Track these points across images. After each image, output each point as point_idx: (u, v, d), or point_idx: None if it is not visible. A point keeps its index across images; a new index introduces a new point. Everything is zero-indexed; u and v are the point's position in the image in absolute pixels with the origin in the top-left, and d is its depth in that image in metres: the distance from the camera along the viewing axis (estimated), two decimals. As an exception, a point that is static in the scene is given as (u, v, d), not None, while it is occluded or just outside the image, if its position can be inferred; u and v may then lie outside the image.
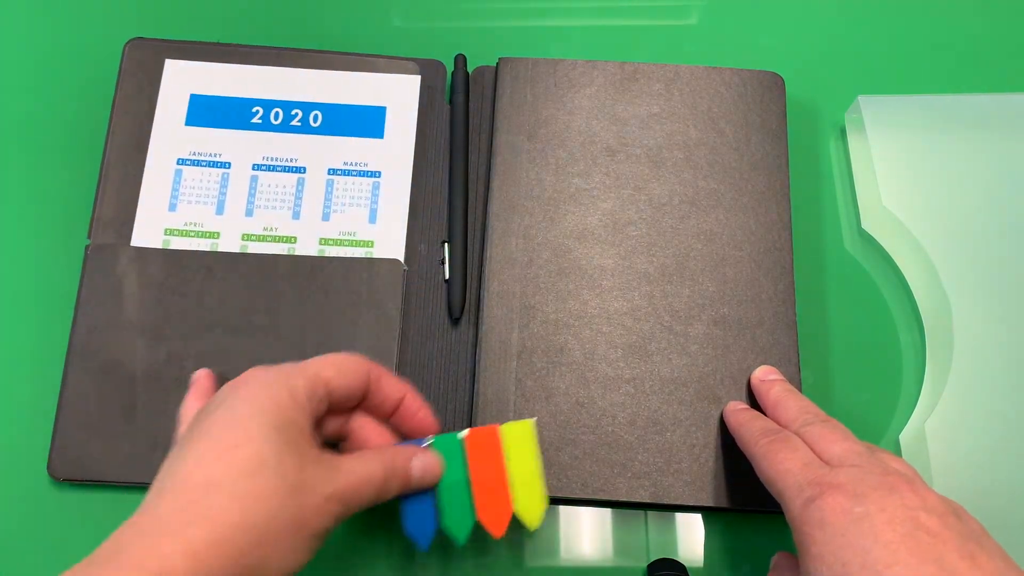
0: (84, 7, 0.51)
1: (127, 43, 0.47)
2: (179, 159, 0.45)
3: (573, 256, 0.43)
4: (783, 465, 0.32)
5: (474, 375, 0.41)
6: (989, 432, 0.40)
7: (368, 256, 0.43)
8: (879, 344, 0.44)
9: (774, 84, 0.46)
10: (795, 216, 0.45)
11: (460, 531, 0.34)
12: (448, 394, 0.42)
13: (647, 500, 0.38)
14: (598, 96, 0.46)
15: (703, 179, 0.44)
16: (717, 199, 0.44)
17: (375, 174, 0.45)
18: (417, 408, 0.36)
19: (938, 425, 0.40)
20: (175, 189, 0.44)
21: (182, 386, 0.40)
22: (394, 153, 0.45)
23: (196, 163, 0.44)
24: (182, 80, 0.46)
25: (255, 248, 0.43)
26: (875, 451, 0.33)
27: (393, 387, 0.35)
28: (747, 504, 0.39)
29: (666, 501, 0.38)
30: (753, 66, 0.47)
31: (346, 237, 0.44)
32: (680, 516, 0.41)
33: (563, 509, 0.41)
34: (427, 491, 0.34)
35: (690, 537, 0.40)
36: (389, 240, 0.44)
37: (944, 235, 0.43)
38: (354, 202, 0.44)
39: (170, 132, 0.45)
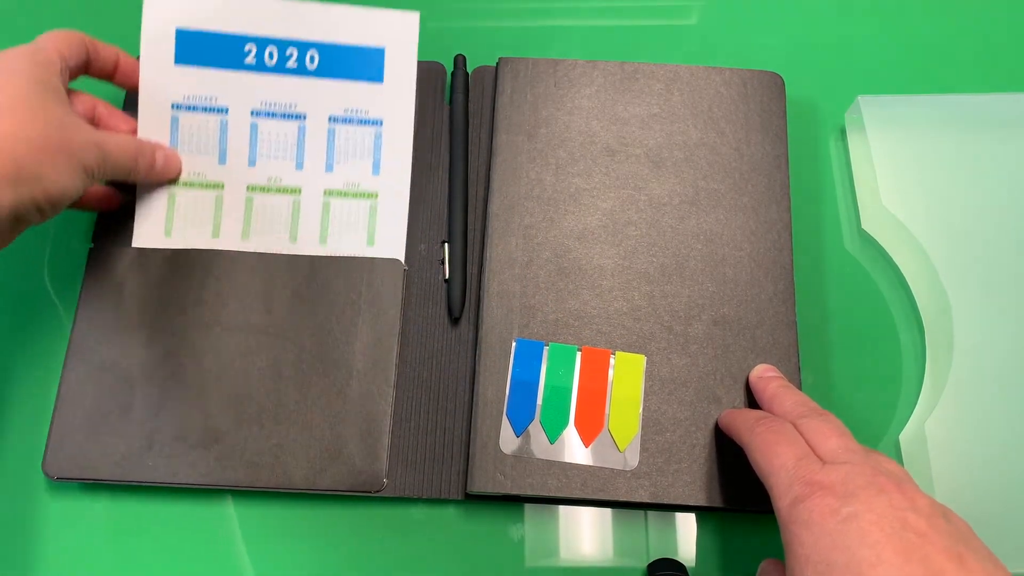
0: (89, 16, 0.51)
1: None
2: (174, 103, 0.43)
3: (573, 256, 0.43)
4: (777, 459, 0.32)
5: (474, 375, 0.41)
6: (989, 432, 0.40)
7: (372, 206, 0.43)
8: (879, 344, 0.44)
9: (774, 84, 0.46)
10: (795, 216, 0.45)
11: (554, 431, 0.39)
12: (448, 394, 0.42)
13: (647, 500, 0.38)
14: (598, 96, 0.46)
15: (703, 179, 0.44)
16: (717, 199, 0.44)
17: (377, 122, 0.44)
18: (133, 66, 0.43)
19: (938, 425, 0.40)
20: (173, 138, 0.43)
21: (179, 385, 0.40)
22: (395, 99, 0.44)
23: (192, 108, 0.43)
24: (166, 13, 0.43)
25: (260, 201, 0.43)
26: (869, 451, 0.33)
27: (107, 49, 0.42)
28: (747, 504, 0.39)
29: (666, 501, 0.38)
30: (753, 66, 0.47)
31: (351, 188, 0.43)
32: (680, 516, 0.41)
33: (563, 509, 0.41)
34: (534, 388, 0.40)
35: (690, 537, 0.40)
36: (393, 192, 0.44)
37: (944, 235, 0.43)
38: (357, 152, 0.44)
39: (159, 73, 0.43)
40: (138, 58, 0.43)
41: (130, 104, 0.45)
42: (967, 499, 0.38)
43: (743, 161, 0.45)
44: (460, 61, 0.48)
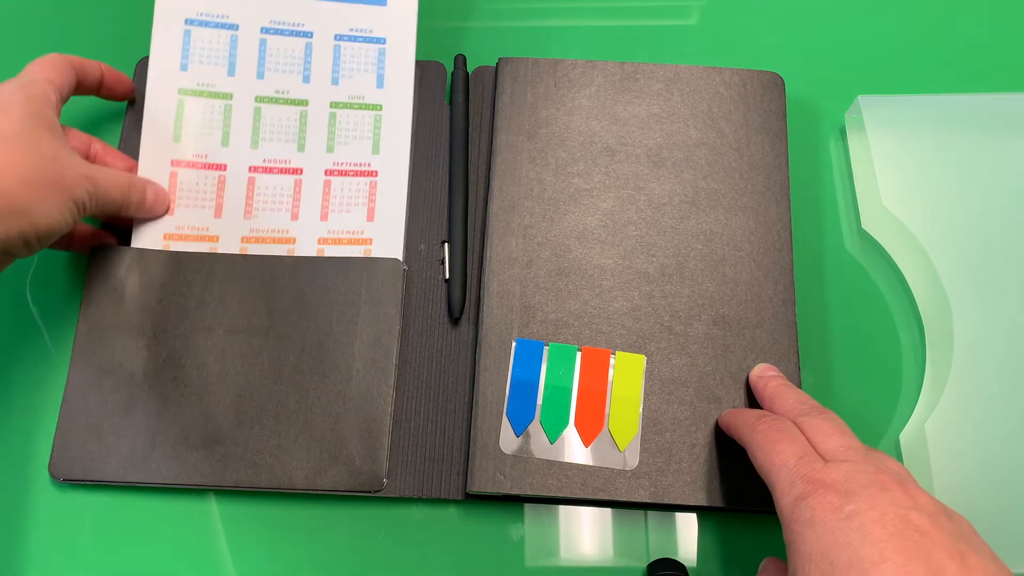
0: (97, 24, 0.51)
1: (139, 62, 0.47)
2: (187, 19, 0.45)
3: (573, 256, 0.43)
4: (779, 457, 0.32)
5: (474, 375, 0.41)
6: (989, 432, 0.40)
7: (376, 117, 0.44)
8: (879, 344, 0.44)
9: (774, 84, 0.46)
10: (795, 216, 0.45)
11: (554, 431, 0.39)
12: (448, 394, 0.42)
13: (647, 500, 0.38)
14: (598, 96, 0.46)
15: (703, 179, 0.44)
16: (717, 199, 0.44)
17: (380, 40, 0.46)
18: (116, 77, 0.44)
19: (938, 425, 0.40)
20: (185, 50, 0.45)
21: (181, 387, 0.41)
22: (397, 18, 0.46)
23: (204, 24, 0.45)
24: None
25: (268, 112, 0.44)
26: (870, 450, 0.33)
27: (92, 66, 0.42)
28: (747, 504, 0.39)
29: (666, 501, 0.38)
30: (753, 66, 0.47)
31: (355, 100, 0.45)
32: (680, 516, 0.41)
33: (563, 509, 0.41)
34: (534, 388, 0.40)
35: (690, 537, 0.40)
36: (398, 103, 0.45)
37: (944, 235, 0.43)
38: (361, 67, 0.45)
39: None
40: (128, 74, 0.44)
41: (125, 143, 0.45)
42: (967, 498, 0.38)
43: (743, 161, 0.45)
44: (460, 61, 0.48)
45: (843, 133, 0.48)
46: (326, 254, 0.43)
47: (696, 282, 0.42)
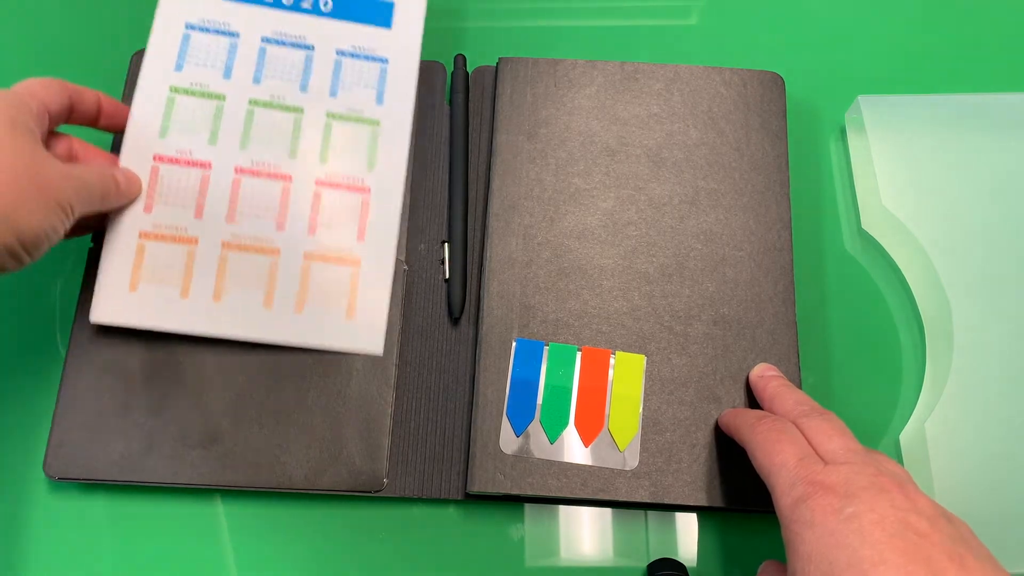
0: (91, 18, 0.51)
1: (134, 56, 0.47)
2: (187, 23, 0.44)
3: (573, 256, 0.43)
4: (779, 458, 0.32)
5: (474, 375, 0.41)
6: (989, 432, 0.40)
7: (373, 133, 0.43)
8: (879, 344, 0.44)
9: (774, 84, 0.46)
10: (795, 216, 0.45)
11: (554, 431, 0.39)
12: (448, 394, 0.42)
13: (647, 500, 0.38)
14: (598, 96, 0.46)
15: (703, 179, 0.44)
16: (717, 199, 0.44)
17: (383, 60, 0.45)
18: (116, 107, 0.42)
19: (938, 425, 0.40)
20: (182, 51, 0.44)
21: (179, 385, 0.40)
22: (401, 43, 0.45)
23: (204, 29, 0.44)
24: None
25: (261, 115, 0.43)
26: (870, 452, 0.33)
27: (89, 94, 0.40)
28: (747, 505, 0.39)
29: (666, 501, 0.38)
30: (753, 66, 0.47)
31: (352, 114, 0.44)
32: (680, 516, 0.41)
33: (563, 509, 0.41)
34: (534, 388, 0.40)
35: (690, 537, 0.40)
36: (397, 121, 0.44)
37: (944, 235, 0.43)
38: (362, 82, 0.44)
39: (178, 2, 0.45)
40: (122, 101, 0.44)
41: (117, 145, 0.44)
42: (967, 499, 0.38)
43: (743, 161, 0.45)
44: (460, 61, 0.48)
45: (843, 133, 0.48)
46: (312, 271, 0.41)
47: (696, 282, 0.42)
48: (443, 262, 0.44)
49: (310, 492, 0.39)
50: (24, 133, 0.35)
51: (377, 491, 0.39)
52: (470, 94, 0.47)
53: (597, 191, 0.44)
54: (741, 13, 0.52)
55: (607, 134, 0.45)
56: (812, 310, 0.44)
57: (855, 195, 0.47)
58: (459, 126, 0.46)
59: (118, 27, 0.50)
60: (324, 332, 0.40)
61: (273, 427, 0.40)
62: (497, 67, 0.47)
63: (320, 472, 0.39)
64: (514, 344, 0.41)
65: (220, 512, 0.40)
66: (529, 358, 0.40)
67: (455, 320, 0.43)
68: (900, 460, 0.41)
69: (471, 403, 0.41)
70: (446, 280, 0.43)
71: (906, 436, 0.41)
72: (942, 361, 0.42)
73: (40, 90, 0.37)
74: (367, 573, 0.39)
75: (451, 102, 0.47)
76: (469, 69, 0.48)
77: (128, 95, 0.45)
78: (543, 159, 0.44)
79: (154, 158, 0.42)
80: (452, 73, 0.48)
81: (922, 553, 0.28)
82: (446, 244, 0.44)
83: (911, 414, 0.42)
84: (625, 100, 0.46)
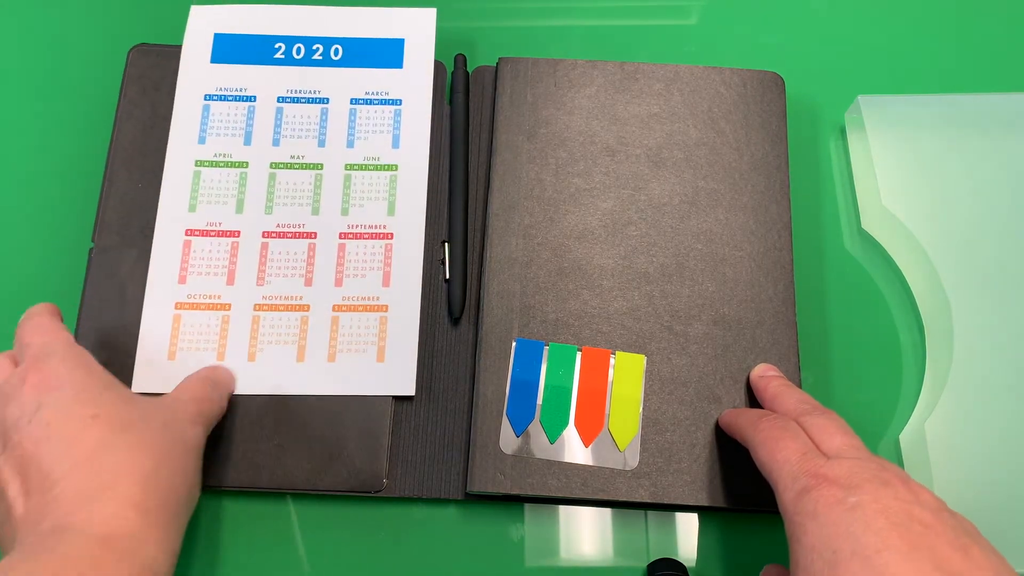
0: (90, 11, 0.51)
1: (131, 50, 0.47)
2: (206, 95, 0.46)
3: (573, 256, 0.43)
4: (781, 454, 0.32)
5: (474, 375, 0.41)
6: (989, 432, 0.40)
7: (392, 178, 0.44)
8: (879, 344, 0.44)
9: (774, 84, 0.46)
10: (795, 216, 0.45)
11: (554, 431, 0.39)
12: (448, 394, 0.42)
13: (647, 500, 0.38)
14: (598, 96, 0.46)
15: (703, 179, 0.44)
16: (717, 199, 0.44)
17: (396, 102, 0.46)
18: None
19: (938, 425, 0.40)
20: (204, 123, 0.45)
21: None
22: (413, 82, 0.46)
23: (223, 98, 0.46)
24: (207, 22, 0.47)
25: (284, 176, 0.44)
26: (871, 452, 0.33)
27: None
28: (748, 504, 0.39)
29: (666, 501, 0.38)
30: (753, 66, 0.47)
31: (371, 162, 0.45)
32: (680, 516, 0.41)
33: (563, 509, 0.41)
34: (534, 388, 0.40)
35: (690, 537, 0.40)
36: (413, 164, 0.45)
37: (944, 235, 0.43)
38: (377, 128, 0.45)
39: (197, 70, 0.46)
40: None
41: (109, 179, 0.44)
42: (967, 499, 0.38)
43: (743, 161, 0.45)
44: (460, 61, 0.48)
45: (843, 133, 0.48)
46: (340, 322, 0.42)
47: (696, 282, 0.42)
48: (443, 262, 0.44)
49: (310, 492, 0.39)
50: (178, 439, 0.35)
51: (377, 491, 0.39)
52: (470, 94, 0.47)
53: (597, 191, 0.44)
54: (741, 13, 0.52)
55: (607, 134, 0.45)
56: (812, 310, 0.44)
57: (855, 195, 0.47)
58: (459, 126, 0.46)
59: (116, 21, 0.50)
60: (357, 379, 0.41)
61: (273, 427, 0.40)
62: (497, 67, 0.47)
63: (320, 472, 0.39)
64: (514, 344, 0.41)
65: (220, 513, 0.40)
66: (529, 358, 0.40)
67: (455, 320, 0.43)
68: (900, 460, 0.41)
69: (471, 403, 0.41)
70: (446, 280, 0.43)
71: (906, 436, 0.41)
72: (942, 361, 0.42)
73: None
74: (367, 573, 0.39)
75: (451, 102, 0.47)
76: (469, 69, 0.48)
77: (125, 89, 0.46)
78: (543, 159, 0.44)
79: (186, 232, 0.43)
80: (452, 73, 0.48)
81: (926, 542, 0.28)
82: (446, 244, 0.44)
83: (911, 414, 0.42)
84: (625, 100, 0.46)
